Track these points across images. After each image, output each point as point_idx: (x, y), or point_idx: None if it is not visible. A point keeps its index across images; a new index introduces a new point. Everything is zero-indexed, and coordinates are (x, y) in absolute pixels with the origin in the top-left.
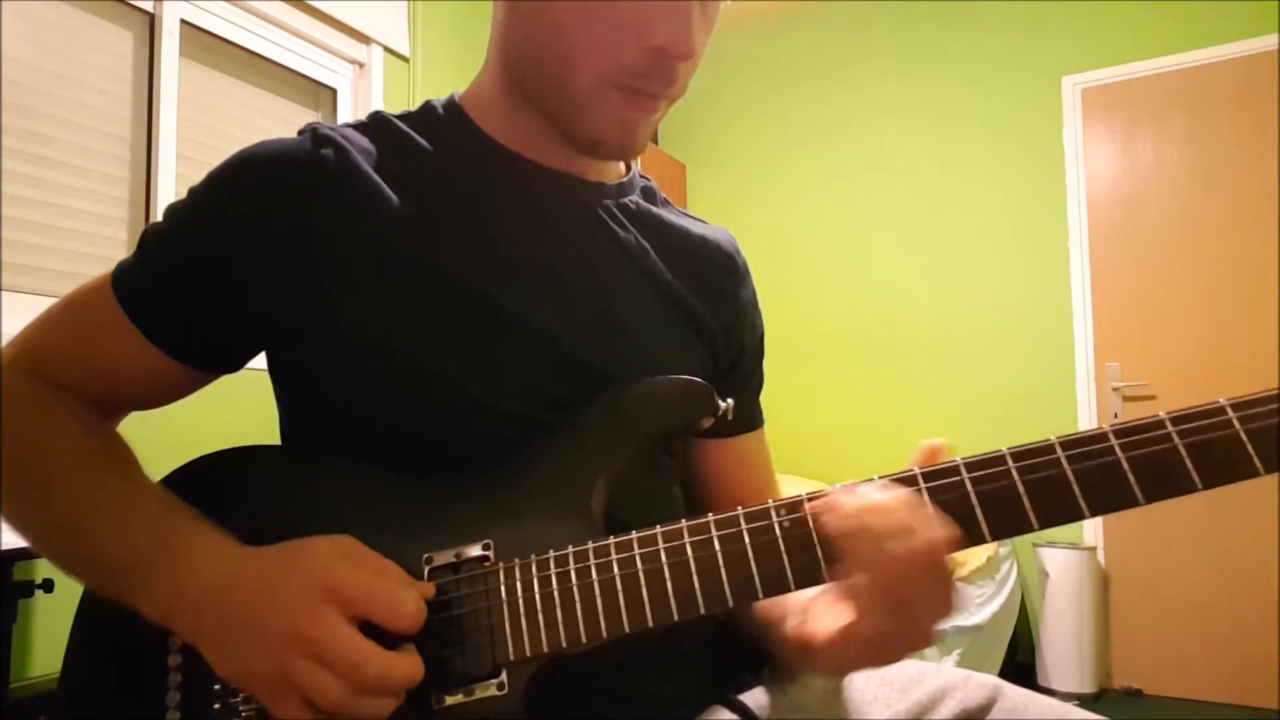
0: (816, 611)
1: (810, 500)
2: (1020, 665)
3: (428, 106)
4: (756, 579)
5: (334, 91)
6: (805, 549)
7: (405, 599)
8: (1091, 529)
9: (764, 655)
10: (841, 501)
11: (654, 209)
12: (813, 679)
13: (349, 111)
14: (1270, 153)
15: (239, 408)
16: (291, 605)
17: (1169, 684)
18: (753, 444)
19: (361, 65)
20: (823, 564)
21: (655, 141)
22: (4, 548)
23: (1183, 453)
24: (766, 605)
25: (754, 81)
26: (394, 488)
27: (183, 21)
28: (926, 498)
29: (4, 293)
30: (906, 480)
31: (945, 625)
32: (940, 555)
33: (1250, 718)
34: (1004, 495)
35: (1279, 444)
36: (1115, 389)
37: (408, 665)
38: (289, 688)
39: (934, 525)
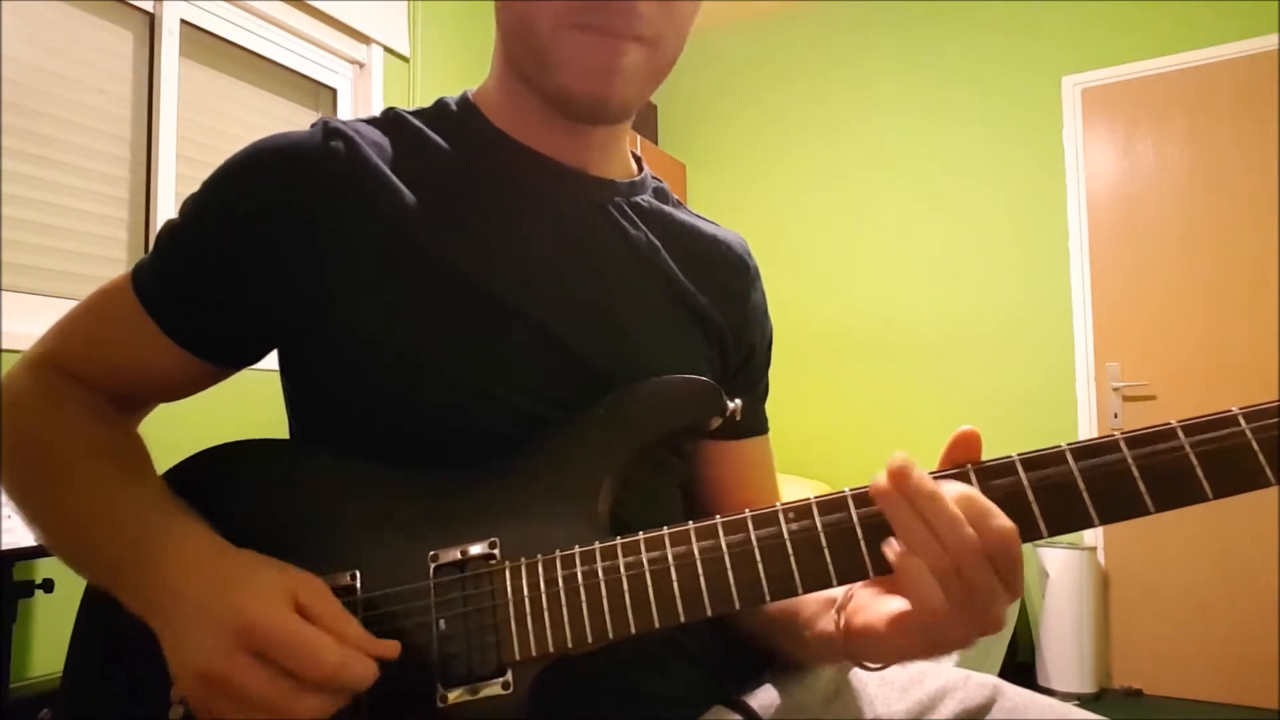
0: (864, 602)
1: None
2: (1020, 665)
3: (441, 103)
4: (764, 583)
5: (334, 91)
6: (814, 552)
7: (323, 649)
8: (1091, 529)
9: (766, 655)
10: (907, 486)
11: (666, 208)
12: (815, 679)
13: (349, 111)
14: (1270, 153)
15: (242, 407)
16: (210, 644)
17: (1169, 684)
18: (757, 449)
19: (361, 65)
20: (867, 558)
21: (655, 141)
22: (4, 548)
23: (1194, 461)
24: (780, 604)
25: (754, 81)
26: (399, 483)
27: (183, 21)
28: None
29: (4, 293)
30: None
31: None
32: (1013, 539)
33: (1250, 718)
34: (1014, 501)
35: None
36: (1115, 389)
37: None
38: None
39: (998, 512)
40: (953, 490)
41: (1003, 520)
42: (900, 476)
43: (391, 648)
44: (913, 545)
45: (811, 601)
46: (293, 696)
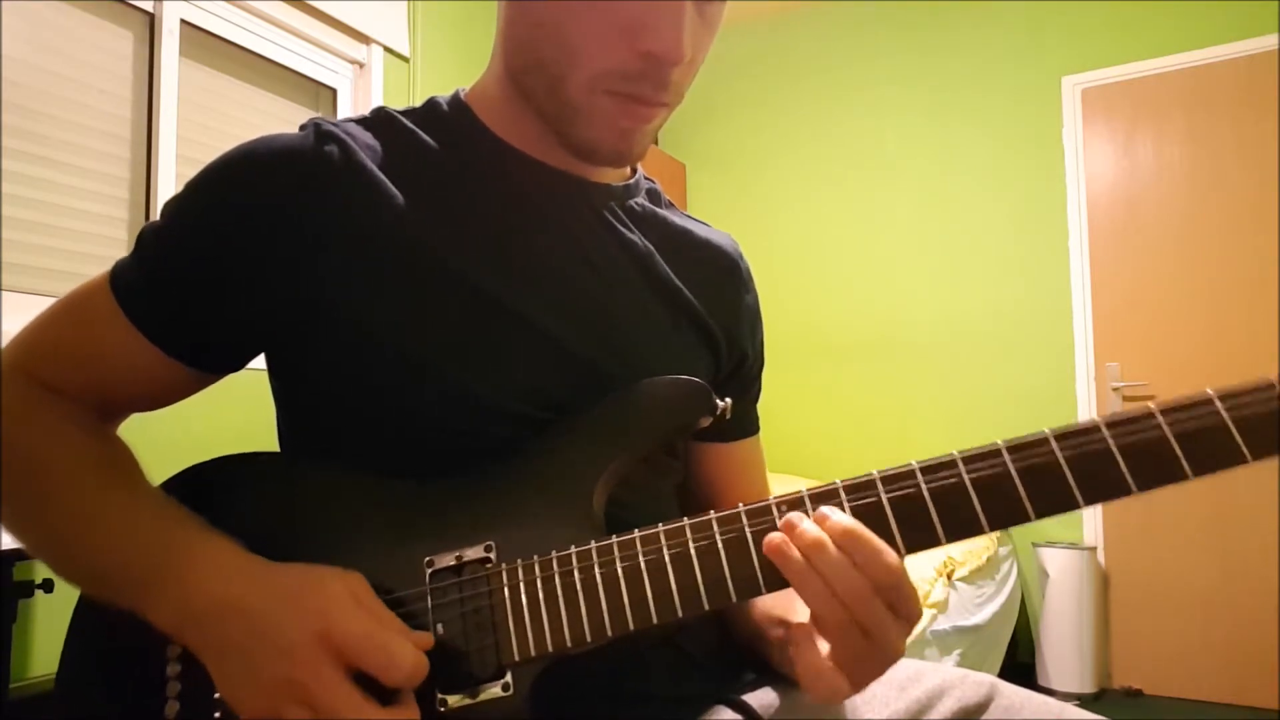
0: (798, 638)
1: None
2: (1020, 665)
3: (432, 103)
4: (759, 575)
5: (334, 91)
6: None
7: (401, 653)
8: (1091, 529)
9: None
10: (790, 542)
11: (659, 211)
12: None
13: (349, 112)
14: (1270, 153)
15: (239, 408)
16: (289, 649)
17: (1169, 684)
18: (750, 450)
19: (361, 65)
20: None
21: (655, 142)
22: (4, 548)
23: (1172, 441)
24: (761, 614)
25: (754, 81)
26: (393, 491)
27: (183, 21)
28: (924, 489)
29: (4, 293)
30: (904, 475)
31: (945, 626)
32: (899, 574)
33: (1250, 718)
34: (1000, 484)
35: (1271, 430)
36: (1115, 389)
37: None
38: None
39: (883, 547)
40: (838, 523)
41: (889, 557)
42: (789, 527)
43: (426, 639)
44: (809, 599)
45: (776, 615)
46: (368, 703)
